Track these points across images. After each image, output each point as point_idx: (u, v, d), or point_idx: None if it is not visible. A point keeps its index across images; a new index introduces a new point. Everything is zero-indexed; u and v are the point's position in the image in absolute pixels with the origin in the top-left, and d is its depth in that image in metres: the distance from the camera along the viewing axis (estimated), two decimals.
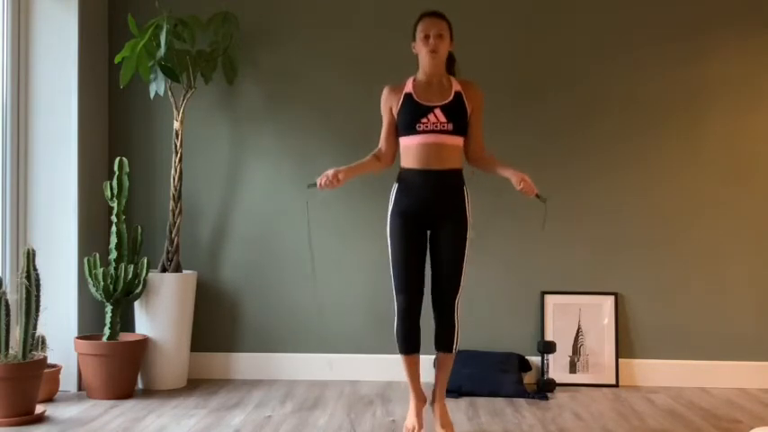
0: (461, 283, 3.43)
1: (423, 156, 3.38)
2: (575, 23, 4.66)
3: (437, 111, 3.38)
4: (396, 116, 3.46)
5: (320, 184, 3.38)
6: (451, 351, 3.46)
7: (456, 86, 3.45)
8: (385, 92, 3.52)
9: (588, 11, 4.66)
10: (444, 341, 3.44)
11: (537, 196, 3.42)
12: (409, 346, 3.43)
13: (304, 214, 4.63)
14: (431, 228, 3.45)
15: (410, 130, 3.40)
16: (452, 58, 3.55)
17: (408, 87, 3.45)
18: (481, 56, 4.61)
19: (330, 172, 3.37)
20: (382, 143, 3.54)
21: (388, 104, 3.49)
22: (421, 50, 3.44)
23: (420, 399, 3.52)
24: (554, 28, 4.66)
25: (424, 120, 3.37)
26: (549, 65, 4.66)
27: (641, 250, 4.63)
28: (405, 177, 3.44)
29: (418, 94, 3.43)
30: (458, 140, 3.42)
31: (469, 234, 3.45)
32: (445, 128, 3.37)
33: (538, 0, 4.67)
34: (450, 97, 3.42)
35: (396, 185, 3.47)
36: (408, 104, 3.42)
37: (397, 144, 3.52)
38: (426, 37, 3.41)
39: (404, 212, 3.43)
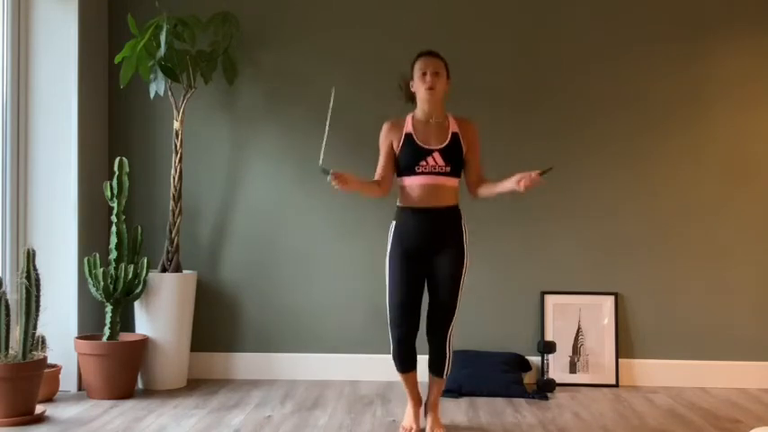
0: (456, 314, 3.51)
1: (422, 195, 3.47)
2: (576, 24, 4.66)
3: (436, 154, 3.46)
4: (396, 153, 3.53)
5: (332, 178, 3.32)
6: (442, 377, 3.58)
7: (453, 127, 3.52)
8: (385, 127, 3.57)
9: (589, 12, 4.66)
10: (436, 368, 3.57)
11: (541, 174, 3.36)
12: (405, 367, 3.55)
13: (304, 214, 4.65)
14: (429, 262, 3.51)
15: (410, 171, 3.49)
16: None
17: (408, 127, 3.52)
18: (483, 56, 4.61)
19: (345, 175, 3.34)
20: (378, 174, 3.58)
21: (389, 139, 3.55)
22: (419, 88, 3.52)
23: (417, 402, 3.65)
24: (555, 28, 4.66)
25: (424, 162, 3.46)
26: (549, 65, 4.66)
27: (641, 250, 4.63)
28: (403, 216, 3.51)
29: (418, 136, 3.50)
30: (455, 181, 3.53)
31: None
32: (443, 170, 3.47)
33: (539, 1, 4.68)
34: (448, 140, 3.49)
35: (393, 223, 3.54)
36: (409, 146, 3.49)
37: (393, 176, 3.58)
38: (423, 74, 3.49)
39: (404, 251, 3.48)
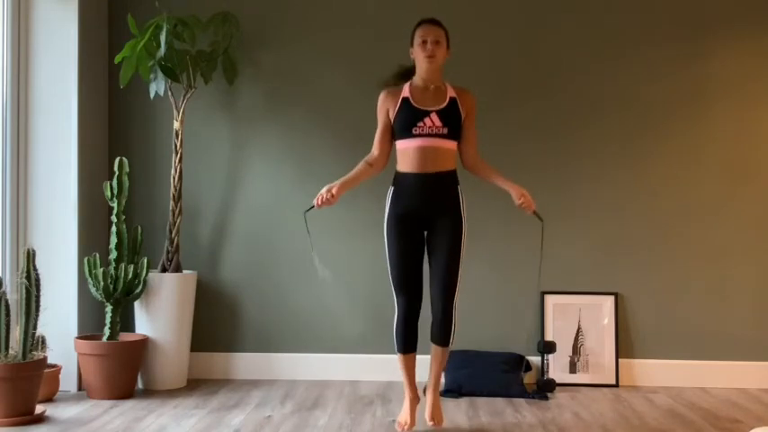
0: (459, 281, 3.50)
1: (419, 159, 3.46)
2: (574, 24, 4.66)
3: (433, 115, 3.46)
4: (392, 119, 3.54)
5: (317, 204, 3.46)
6: (447, 345, 3.53)
7: (451, 92, 3.54)
8: (382, 95, 3.59)
9: (589, 12, 4.66)
10: (440, 335, 3.50)
11: (534, 213, 3.50)
12: (407, 345, 3.54)
13: (304, 214, 4.65)
14: (427, 228, 3.53)
15: (407, 133, 3.48)
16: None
17: (405, 92, 3.53)
18: (481, 56, 4.61)
19: (324, 190, 3.45)
20: (376, 147, 3.61)
21: (385, 107, 3.56)
22: (418, 56, 3.53)
23: (414, 396, 3.62)
24: (554, 28, 4.66)
25: (420, 123, 3.46)
26: (549, 65, 4.66)
27: (641, 250, 4.63)
28: (400, 181, 3.52)
29: (415, 99, 3.51)
30: (452, 144, 3.51)
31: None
32: (441, 132, 3.46)
33: (539, 1, 4.68)
34: (446, 102, 3.50)
35: (391, 189, 3.55)
36: (405, 108, 3.50)
37: (390, 147, 3.60)
38: (424, 42, 3.50)
39: (400, 215, 3.50)
